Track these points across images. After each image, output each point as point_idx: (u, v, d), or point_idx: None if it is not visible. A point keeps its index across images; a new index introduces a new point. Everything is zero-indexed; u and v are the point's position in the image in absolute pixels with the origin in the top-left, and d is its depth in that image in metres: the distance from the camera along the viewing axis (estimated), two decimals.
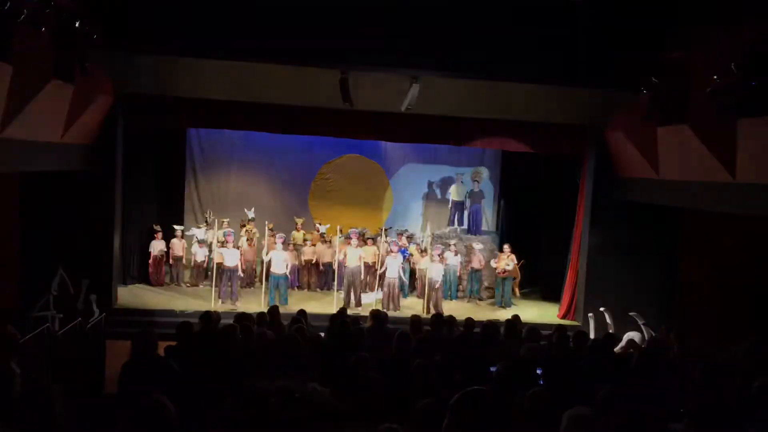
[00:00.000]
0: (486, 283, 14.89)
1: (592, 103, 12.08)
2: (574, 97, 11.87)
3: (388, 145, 16.05)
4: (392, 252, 13.41)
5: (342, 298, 13.25)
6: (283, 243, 13.31)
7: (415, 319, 8.07)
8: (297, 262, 14.42)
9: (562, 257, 14.17)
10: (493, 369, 5.30)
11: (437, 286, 13.27)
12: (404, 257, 14.21)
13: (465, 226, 15.44)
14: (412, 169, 16.64)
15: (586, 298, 13.20)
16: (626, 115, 11.84)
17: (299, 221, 15.07)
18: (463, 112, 12.53)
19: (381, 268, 13.45)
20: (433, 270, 13.29)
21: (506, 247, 14.26)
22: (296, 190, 16.27)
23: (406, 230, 15.39)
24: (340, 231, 13.68)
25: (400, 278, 13.33)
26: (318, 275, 14.68)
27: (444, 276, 13.73)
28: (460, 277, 14.73)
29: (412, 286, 14.87)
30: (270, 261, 13.00)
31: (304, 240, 14.76)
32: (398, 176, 16.69)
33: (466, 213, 15.36)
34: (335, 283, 13.78)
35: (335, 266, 13.83)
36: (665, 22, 9.45)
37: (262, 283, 13.65)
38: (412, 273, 14.75)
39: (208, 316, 7.66)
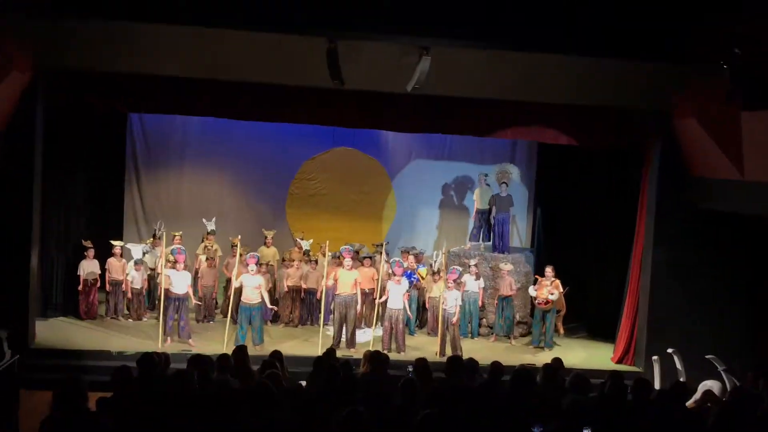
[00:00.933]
0: (518, 316, 14.76)
1: (657, 81, 11.69)
2: (634, 73, 11.41)
3: (390, 135, 15.99)
4: (395, 276, 13.34)
5: (331, 336, 13.26)
6: (257, 264, 13.20)
7: (423, 364, 8.14)
8: (271, 289, 14.40)
9: (617, 283, 14.12)
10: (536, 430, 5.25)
11: (454, 320, 13.17)
12: (411, 283, 14.14)
13: (490, 242, 15.49)
14: (421, 167, 16.64)
15: (648, 336, 13.10)
16: (701, 98, 11.64)
17: (269, 234, 14.98)
18: (486, 93, 12.42)
19: (381, 296, 13.42)
20: (449, 299, 13.21)
21: (548, 270, 14.07)
22: (270, 195, 16.29)
23: (414, 248, 15.36)
24: (328, 248, 13.67)
25: (405, 310, 13.36)
26: (301, 305, 14.68)
27: (462, 306, 13.76)
28: (483, 308, 14.71)
29: (421, 321, 14.83)
30: (240, 287, 13.02)
31: (284, 259, 14.70)
32: (403, 176, 16.72)
33: (492, 225, 15.41)
34: (321, 316, 13.60)
35: (320, 294, 13.91)
36: None
37: (226, 316, 13.53)
38: (422, 303, 14.76)
39: (150, 359, 7.59)
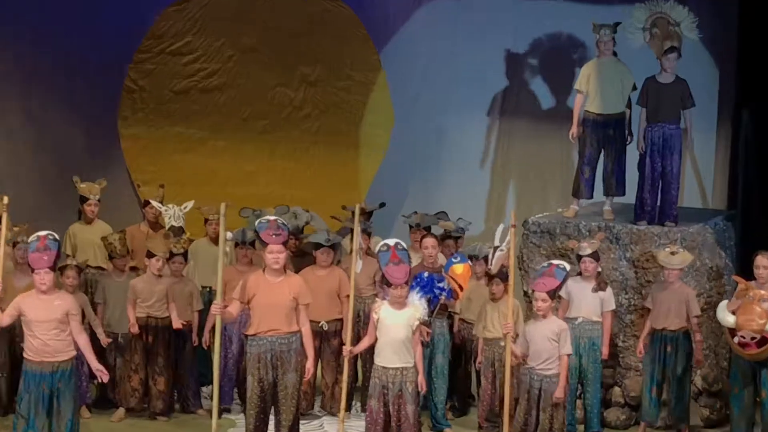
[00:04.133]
0: (699, 378, 9.70)
1: None
2: None
3: None
4: (393, 288, 8.25)
5: None
6: (53, 265, 8.47)
7: None
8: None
9: None
10: None
11: (556, 395, 8.34)
12: (435, 302, 9.12)
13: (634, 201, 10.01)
14: (444, 18, 12.15)
15: None
16: None
17: (90, 192, 10.17)
18: None
19: (358, 339, 8.91)
20: (536, 341, 8.51)
21: (762, 262, 9.42)
22: (92, 103, 12.23)
23: (442, 214, 10.53)
24: (221, 218, 9.11)
25: (416, 370, 8.49)
26: (166, 361, 9.85)
27: (579, 355, 9.15)
28: (614, 361, 9.74)
29: (463, 394, 9.87)
30: (14, 324, 8.75)
31: (112, 254, 10.01)
32: (407, 42, 12.24)
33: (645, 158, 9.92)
34: (215, 387, 8.39)
35: (207, 337, 9.47)
36: None
37: None
38: (461, 349, 9.78)
39: None
